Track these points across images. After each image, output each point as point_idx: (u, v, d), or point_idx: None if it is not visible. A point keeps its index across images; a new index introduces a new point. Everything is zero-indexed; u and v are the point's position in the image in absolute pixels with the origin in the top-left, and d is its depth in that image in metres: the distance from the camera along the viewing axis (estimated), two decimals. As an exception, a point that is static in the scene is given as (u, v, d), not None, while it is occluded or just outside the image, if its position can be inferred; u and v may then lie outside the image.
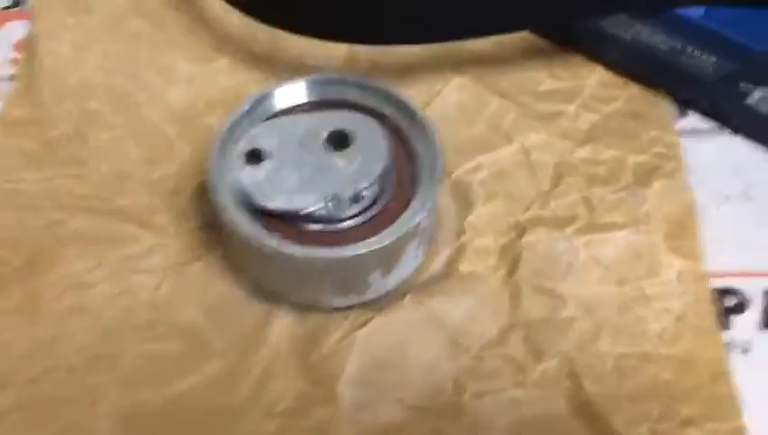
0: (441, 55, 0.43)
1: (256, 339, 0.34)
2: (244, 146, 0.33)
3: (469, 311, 0.35)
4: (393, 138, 0.35)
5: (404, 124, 0.35)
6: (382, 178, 0.33)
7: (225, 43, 0.43)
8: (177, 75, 0.42)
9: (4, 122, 0.39)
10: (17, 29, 0.44)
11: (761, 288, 0.37)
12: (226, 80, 0.42)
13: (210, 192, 0.32)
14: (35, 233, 0.36)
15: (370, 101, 0.36)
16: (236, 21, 0.41)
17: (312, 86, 0.36)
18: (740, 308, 0.36)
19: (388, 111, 0.35)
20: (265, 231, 0.31)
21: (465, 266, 0.36)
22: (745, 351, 0.35)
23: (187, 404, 0.32)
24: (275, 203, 0.32)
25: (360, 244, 0.31)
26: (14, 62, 0.42)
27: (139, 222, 0.37)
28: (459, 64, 0.43)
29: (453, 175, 0.39)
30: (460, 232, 0.37)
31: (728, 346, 0.35)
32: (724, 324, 0.36)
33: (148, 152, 0.39)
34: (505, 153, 0.40)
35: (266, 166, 0.32)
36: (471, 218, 0.38)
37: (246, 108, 0.34)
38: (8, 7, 0.45)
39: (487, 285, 0.36)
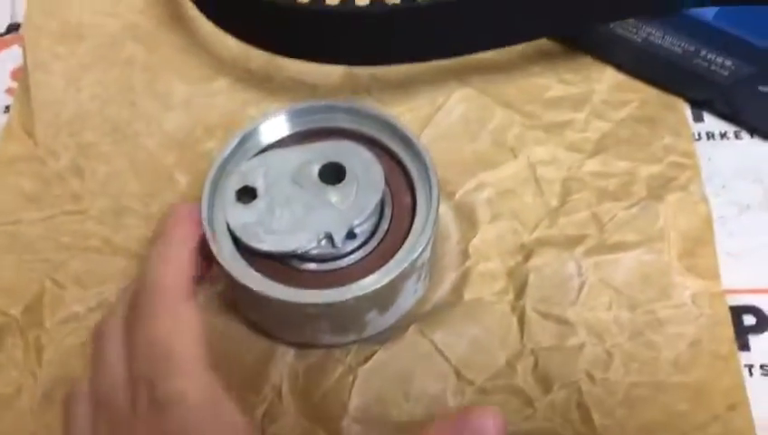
0: (443, 65, 0.41)
1: (258, 378, 0.33)
2: (234, 183, 0.32)
3: (474, 341, 0.34)
4: (388, 164, 0.33)
5: (399, 150, 0.34)
6: (378, 212, 0.32)
7: (222, 63, 0.42)
8: (174, 100, 0.41)
9: (0, 160, 0.39)
10: (14, 57, 0.43)
11: (782, 305, 0.35)
12: (225, 101, 0.41)
13: (205, 235, 0.31)
14: (35, 277, 0.35)
15: (363, 128, 0.34)
16: (232, 40, 0.40)
17: (300, 115, 0.34)
18: (759, 328, 0.35)
19: (381, 136, 0.34)
20: (257, 274, 0.31)
21: (470, 293, 0.35)
22: (767, 373, 0.34)
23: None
24: (266, 245, 0.31)
25: (355, 286, 0.30)
26: (11, 91, 0.42)
27: (139, 258, 0.36)
28: (462, 73, 0.41)
29: (456, 195, 0.38)
30: (465, 256, 0.36)
31: (747, 369, 0.34)
32: (743, 346, 0.34)
33: (147, 184, 0.38)
34: (510, 169, 0.38)
35: (257, 205, 0.32)
36: (475, 241, 0.36)
37: (234, 144, 0.33)
38: (3, 34, 0.44)
39: (493, 313, 0.35)
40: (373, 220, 0.32)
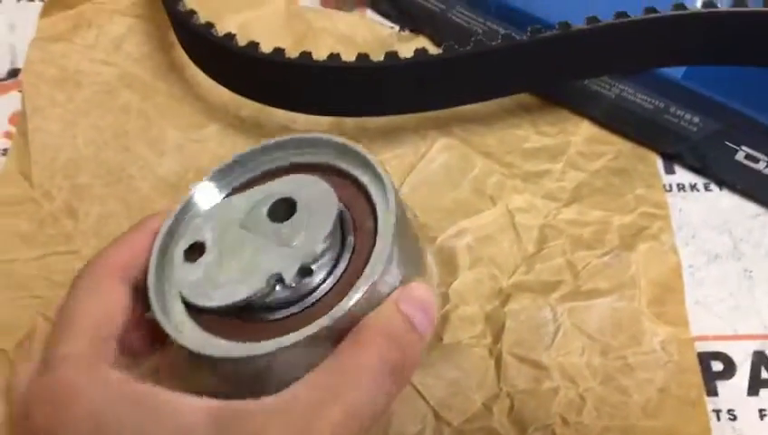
0: (427, 116, 0.43)
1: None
2: (182, 244, 0.29)
3: (452, 383, 0.35)
4: (349, 190, 0.30)
5: (359, 174, 0.30)
6: (337, 242, 0.29)
7: (214, 111, 0.44)
8: (167, 145, 0.43)
9: (-3, 201, 0.40)
10: (13, 101, 0.45)
11: (749, 351, 0.36)
12: (216, 146, 0.43)
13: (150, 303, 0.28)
14: (28, 314, 0.37)
15: (318, 158, 0.31)
16: (223, 89, 0.42)
17: (247, 162, 0.32)
18: (727, 373, 0.36)
19: (339, 163, 0.31)
20: (219, 340, 0.27)
21: (449, 337, 0.36)
22: (734, 418, 0.35)
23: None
24: (215, 300, 0.28)
25: (321, 320, 0.27)
26: (8, 135, 0.44)
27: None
28: (445, 124, 0.43)
29: (437, 240, 0.39)
30: (445, 300, 0.37)
31: (715, 414, 0.35)
32: (711, 391, 0.35)
33: (138, 226, 0.40)
34: (490, 217, 0.40)
35: (205, 260, 0.29)
36: (455, 286, 0.38)
37: (179, 209, 0.30)
38: (4, 79, 0.46)
39: (471, 357, 0.36)
40: (331, 253, 0.29)
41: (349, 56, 0.37)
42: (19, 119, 0.43)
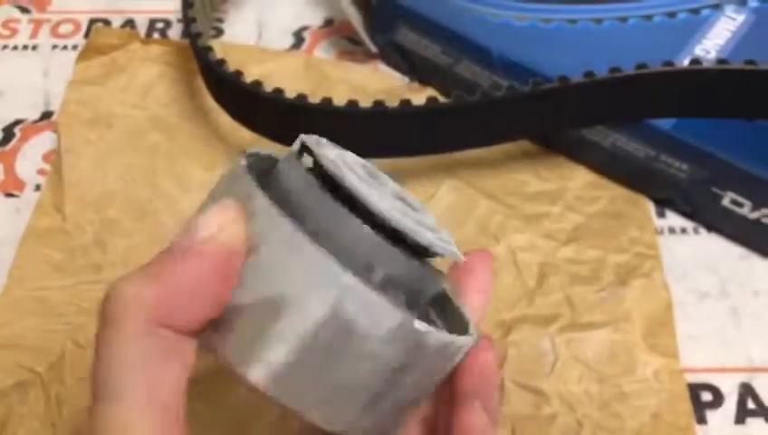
0: (435, 159, 0.46)
1: None
2: None
3: (457, 408, 0.37)
4: None
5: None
6: None
7: (235, 152, 0.47)
8: (193, 183, 0.45)
9: (31, 233, 0.43)
10: (46, 141, 0.48)
11: (736, 383, 0.39)
12: (236, 185, 0.46)
13: None
14: (58, 338, 0.39)
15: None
16: (245, 132, 0.45)
17: None
18: (716, 403, 0.38)
19: None
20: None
21: (454, 365, 0.39)
22: (721, 445, 0.37)
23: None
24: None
25: None
26: (42, 172, 0.46)
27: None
28: (451, 167, 0.46)
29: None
30: (450, 331, 0.40)
31: (705, 441, 0.37)
32: (701, 419, 0.38)
33: (163, 257, 0.42)
34: (493, 254, 0.42)
35: None
36: (460, 318, 0.40)
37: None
38: (38, 121, 0.49)
39: (475, 383, 0.38)
40: None
41: (365, 103, 0.40)
42: (53, 156, 0.46)
